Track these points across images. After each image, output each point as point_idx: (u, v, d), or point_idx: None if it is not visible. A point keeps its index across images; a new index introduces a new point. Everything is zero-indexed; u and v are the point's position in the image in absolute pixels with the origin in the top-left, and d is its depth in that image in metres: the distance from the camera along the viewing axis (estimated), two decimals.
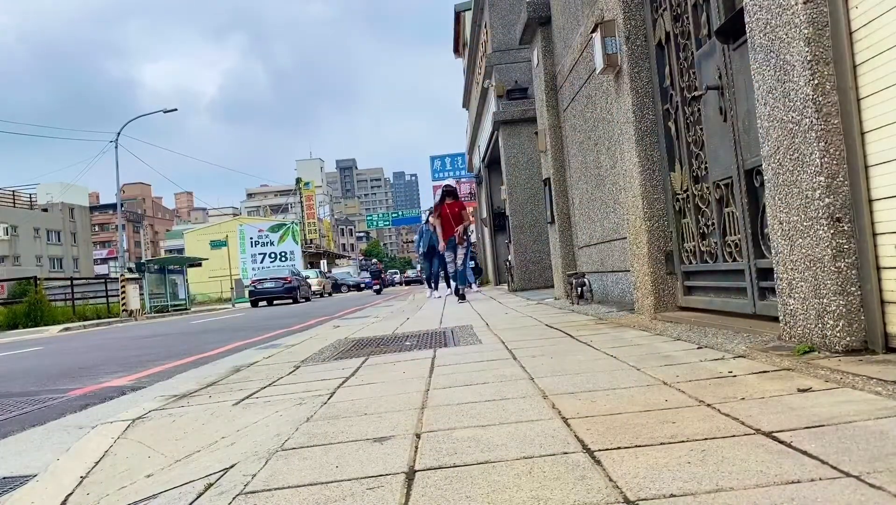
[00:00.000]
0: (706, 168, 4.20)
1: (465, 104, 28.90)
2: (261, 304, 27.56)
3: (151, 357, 7.20)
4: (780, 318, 2.92)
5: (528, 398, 2.37)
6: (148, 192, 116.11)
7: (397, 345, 4.76)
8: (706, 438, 1.66)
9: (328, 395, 2.89)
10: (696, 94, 4.13)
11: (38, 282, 23.19)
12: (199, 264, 32.12)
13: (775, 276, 2.94)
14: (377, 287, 28.73)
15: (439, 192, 12.06)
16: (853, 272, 2.45)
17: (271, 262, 56.20)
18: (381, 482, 1.57)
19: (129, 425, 2.91)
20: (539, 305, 7.99)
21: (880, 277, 2.38)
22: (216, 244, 48.32)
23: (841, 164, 2.47)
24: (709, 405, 2.00)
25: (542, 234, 13.28)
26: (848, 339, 2.46)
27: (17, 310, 21.31)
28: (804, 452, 1.48)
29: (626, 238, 5.61)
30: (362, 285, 29.92)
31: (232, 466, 1.90)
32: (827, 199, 2.48)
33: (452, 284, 12.03)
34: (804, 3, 2.50)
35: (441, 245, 11.55)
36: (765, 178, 2.95)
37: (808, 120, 2.54)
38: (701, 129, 4.21)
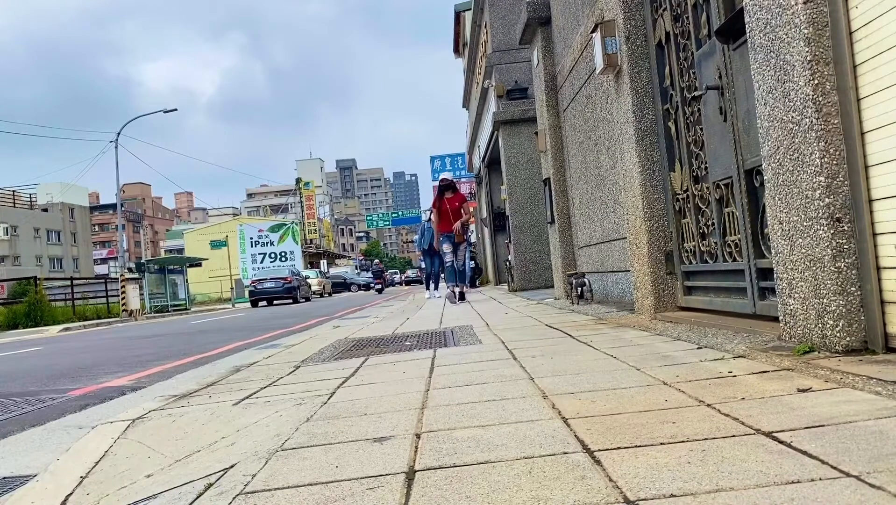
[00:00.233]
0: (706, 168, 4.20)
1: (465, 104, 28.90)
2: (261, 304, 27.56)
3: (151, 357, 7.20)
4: (780, 318, 2.92)
5: (528, 398, 2.37)
6: (148, 192, 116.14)
7: (397, 345, 4.76)
8: (706, 438, 1.66)
9: (328, 395, 2.89)
10: (696, 94, 4.13)
11: (38, 282, 23.19)
12: (199, 264, 32.13)
13: (775, 276, 2.94)
14: (379, 286, 30.82)
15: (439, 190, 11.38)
16: (853, 272, 2.45)
17: (271, 262, 56.18)
18: (381, 482, 1.57)
19: (128, 425, 2.91)
20: (539, 305, 7.99)
21: (880, 277, 2.38)
22: (216, 244, 48.33)
23: (841, 164, 2.47)
24: (709, 405, 2.00)
25: (542, 234, 13.28)
26: (848, 339, 2.46)
27: (17, 310, 21.31)
28: (804, 452, 1.48)
29: (626, 238, 5.61)
30: (370, 285, 31.89)
31: (232, 466, 1.90)
32: (827, 199, 2.48)
33: (444, 284, 11.19)
34: (804, 3, 2.50)
35: (436, 242, 10.93)
36: (765, 178, 2.95)
37: (808, 120, 2.54)
38: (701, 129, 4.21)
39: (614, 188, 6.31)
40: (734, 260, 3.97)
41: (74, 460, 2.50)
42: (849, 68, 2.45)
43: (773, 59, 2.74)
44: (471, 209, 12.53)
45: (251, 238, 59.04)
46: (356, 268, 63.16)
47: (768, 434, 1.65)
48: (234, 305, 32.81)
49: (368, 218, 71.42)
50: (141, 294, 25.23)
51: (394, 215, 63.04)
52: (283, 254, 57.89)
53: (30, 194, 53.87)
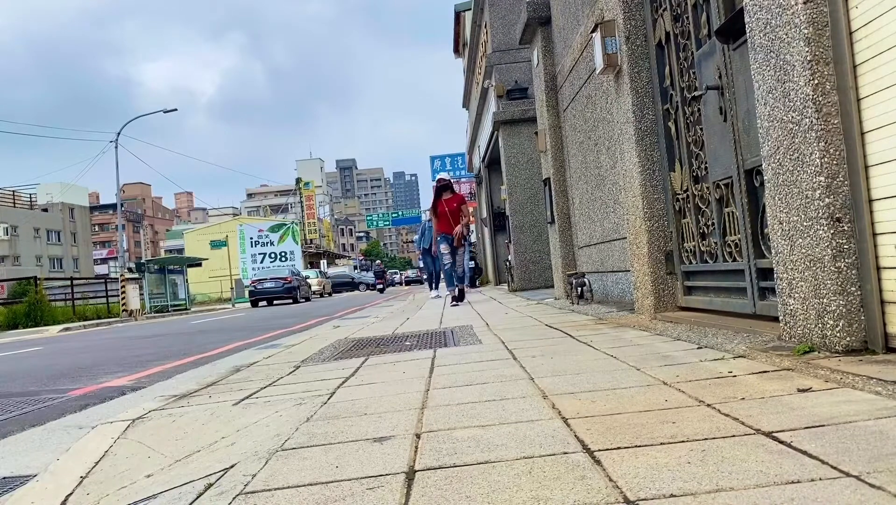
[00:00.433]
0: (706, 168, 4.20)
1: (465, 104, 28.90)
2: (261, 304, 27.56)
3: (151, 357, 7.20)
4: (780, 318, 2.92)
5: (528, 398, 2.37)
6: (148, 192, 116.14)
7: (397, 345, 4.76)
8: (706, 438, 1.66)
9: (328, 395, 2.89)
10: (696, 94, 4.13)
11: (38, 282, 23.19)
12: (199, 264, 32.12)
13: (775, 276, 2.94)
14: (381, 286, 32.05)
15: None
16: (853, 272, 2.45)
17: (271, 262, 56.20)
18: (381, 482, 1.57)
19: (128, 425, 2.91)
20: (539, 305, 7.99)
21: (880, 277, 2.38)
22: (216, 244, 48.33)
23: (841, 164, 2.47)
24: (709, 405, 2.00)
25: (542, 234, 13.28)
26: (848, 339, 2.46)
27: (17, 310, 21.31)
28: (804, 452, 1.48)
29: (626, 238, 5.61)
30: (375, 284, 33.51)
31: (232, 466, 1.90)
32: (827, 199, 2.48)
33: (442, 286, 10.67)
34: (804, 3, 2.50)
35: (434, 243, 10.58)
36: (765, 178, 2.95)
37: (808, 120, 2.54)
38: (701, 129, 4.21)
39: (614, 188, 6.31)
40: (734, 260, 3.97)
41: (74, 460, 2.50)
42: (849, 68, 2.45)
43: (773, 59, 2.74)
44: (470, 210, 12.24)
45: (251, 238, 59.04)
46: (354, 268, 63.21)
47: (768, 434, 1.65)
48: (234, 305, 32.81)
49: (368, 218, 71.40)
50: (141, 294, 25.23)
51: (394, 215, 63.03)
52: (283, 254, 57.90)
53: (30, 194, 53.89)
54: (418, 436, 1.97)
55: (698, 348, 3.16)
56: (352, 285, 45.08)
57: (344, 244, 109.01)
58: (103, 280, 29.35)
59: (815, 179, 2.53)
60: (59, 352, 9.55)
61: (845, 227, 2.46)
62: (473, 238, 27.96)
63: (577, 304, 7.11)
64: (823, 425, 1.67)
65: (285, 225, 60.67)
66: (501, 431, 1.93)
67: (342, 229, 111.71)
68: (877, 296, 2.39)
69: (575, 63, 7.37)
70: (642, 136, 4.92)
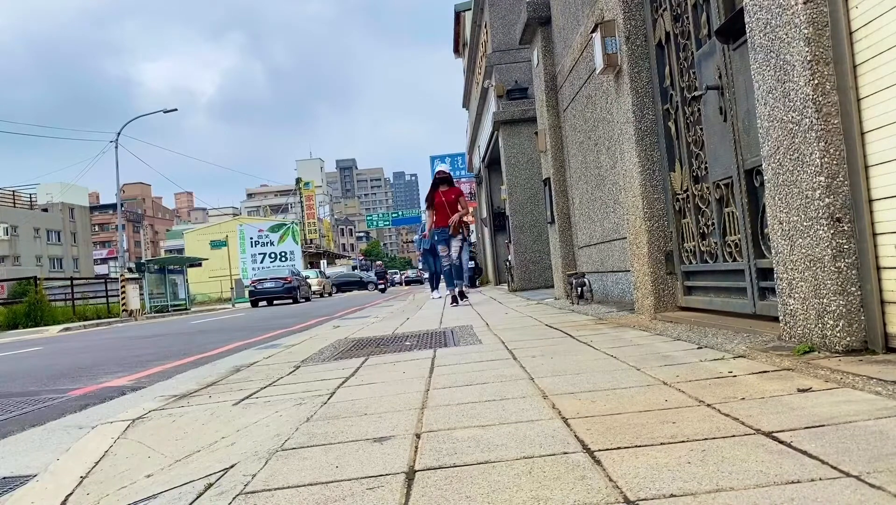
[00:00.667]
0: (706, 168, 4.20)
1: (465, 104, 28.90)
2: (261, 304, 27.57)
3: (151, 357, 7.20)
4: (780, 318, 2.92)
5: (528, 398, 2.37)
6: (148, 192, 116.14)
7: (397, 345, 4.76)
8: (706, 438, 1.66)
9: (328, 395, 2.89)
10: (696, 94, 4.13)
11: (38, 282, 23.19)
12: (199, 264, 32.13)
13: (775, 276, 2.94)
14: (382, 286, 32.75)
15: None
16: (853, 272, 2.45)
17: (271, 262, 56.21)
18: (381, 482, 1.57)
19: (128, 425, 2.91)
20: (539, 305, 7.99)
21: (880, 277, 2.38)
22: (216, 244, 48.34)
23: (841, 164, 2.47)
24: (709, 405, 2.00)
25: (542, 234, 13.28)
26: (848, 339, 2.46)
27: (17, 310, 21.31)
28: (804, 452, 1.48)
29: (626, 238, 5.61)
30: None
31: (232, 466, 1.90)
32: (827, 199, 2.48)
33: (442, 286, 10.26)
34: (804, 3, 2.50)
35: (426, 233, 10.29)
36: (765, 178, 2.95)
37: (808, 120, 2.54)
38: (701, 129, 4.21)
39: (614, 188, 6.31)
40: (734, 260, 3.97)
41: (74, 460, 2.50)
42: (849, 68, 2.45)
43: (773, 59, 2.74)
44: (470, 209, 12.09)
45: (251, 238, 59.05)
46: (353, 268, 63.29)
47: (768, 434, 1.65)
48: (234, 305, 32.81)
49: (368, 218, 71.43)
50: (141, 294, 25.23)
51: (394, 215, 63.08)
52: (283, 254, 57.90)
53: (30, 194, 53.89)
54: (418, 436, 1.97)
55: (698, 348, 3.16)
56: (360, 284, 45.46)
57: (344, 244, 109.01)
58: (103, 280, 29.35)
59: (815, 179, 2.53)
60: (59, 352, 9.55)
61: (845, 227, 2.46)
62: (473, 238, 27.96)
63: (577, 304, 7.11)
64: (823, 425, 1.67)
65: (285, 225, 60.68)
66: (501, 431, 1.93)
67: (342, 229, 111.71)
68: (877, 296, 2.39)
69: (575, 63, 7.37)
70: (642, 136, 4.92)
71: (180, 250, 67.86)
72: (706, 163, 4.18)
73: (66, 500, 2.07)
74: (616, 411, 2.04)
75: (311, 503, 1.49)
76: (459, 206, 9.58)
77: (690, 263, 4.67)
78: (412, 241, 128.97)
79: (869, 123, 2.39)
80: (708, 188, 4.21)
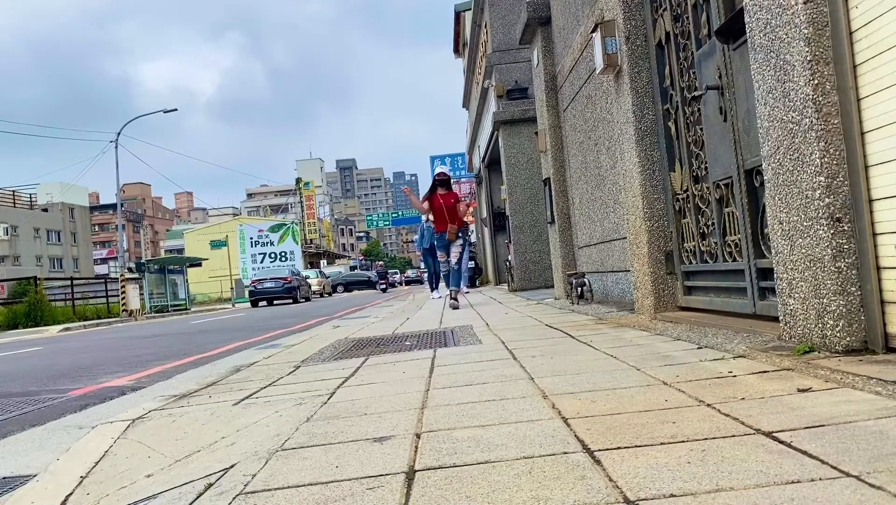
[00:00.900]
0: (706, 168, 4.20)
1: (465, 104, 28.90)
2: (261, 304, 27.57)
3: (151, 357, 7.20)
4: (780, 318, 2.92)
5: (528, 398, 2.37)
6: (148, 192, 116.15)
7: (397, 345, 4.76)
8: (706, 438, 1.66)
9: (328, 395, 2.89)
10: (696, 94, 4.13)
11: (38, 282, 23.19)
12: (199, 264, 32.12)
13: (775, 276, 2.94)
14: (384, 286, 33.64)
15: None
16: (853, 272, 2.45)
17: (271, 262, 56.21)
18: (381, 482, 1.57)
19: (128, 425, 2.91)
20: (539, 305, 7.99)
21: (880, 277, 2.38)
22: (216, 244, 48.33)
23: (841, 164, 2.47)
24: (709, 405, 2.00)
25: (542, 234, 13.28)
26: (848, 339, 2.46)
27: (17, 310, 21.31)
28: (804, 452, 1.48)
29: (626, 238, 5.61)
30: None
31: (232, 466, 1.90)
32: (827, 199, 2.48)
33: (442, 285, 10.03)
34: (804, 3, 2.50)
35: (427, 214, 9.75)
36: (765, 178, 2.95)
37: (808, 120, 2.54)
38: (701, 129, 4.21)
39: (614, 188, 6.31)
40: (734, 260, 3.97)
41: (74, 460, 2.50)
42: (849, 68, 2.45)
43: (773, 59, 2.74)
44: (470, 209, 11.95)
45: (251, 238, 59.06)
46: (351, 268, 63.38)
47: (768, 434, 1.65)
48: (234, 305, 32.81)
49: (368, 218, 71.44)
50: (141, 294, 25.23)
51: (394, 215, 63.06)
52: (283, 254, 57.91)
53: (30, 194, 53.87)
54: (418, 436, 1.97)
55: (698, 348, 3.16)
56: (369, 284, 45.75)
57: (344, 244, 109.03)
58: (103, 280, 29.35)
59: (815, 179, 2.53)
60: (59, 352, 9.55)
61: (845, 227, 2.46)
62: (473, 238, 27.96)
63: (577, 304, 7.11)
64: (823, 425, 1.67)
65: (285, 225, 60.68)
66: (501, 431, 1.93)
67: (342, 229, 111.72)
68: (877, 296, 2.39)
69: (575, 63, 7.37)
70: (642, 136, 4.92)
71: (180, 250, 67.87)
72: (706, 163, 4.18)
73: (66, 500, 2.07)
74: (616, 411, 2.04)
75: (311, 503, 1.49)
76: (458, 212, 9.32)
77: (690, 262, 4.67)
78: (412, 242, 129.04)
79: (869, 123, 2.39)
80: (708, 188, 4.21)
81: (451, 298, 9.06)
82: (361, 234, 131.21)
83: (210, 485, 1.76)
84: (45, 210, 56.40)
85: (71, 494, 2.12)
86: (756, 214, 3.63)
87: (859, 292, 2.45)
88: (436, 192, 9.36)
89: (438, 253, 9.60)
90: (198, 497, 1.67)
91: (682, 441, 1.66)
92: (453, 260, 9.24)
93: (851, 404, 1.84)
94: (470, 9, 20.54)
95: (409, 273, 72.41)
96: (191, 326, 14.05)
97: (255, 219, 72.33)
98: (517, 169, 14.15)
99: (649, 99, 4.93)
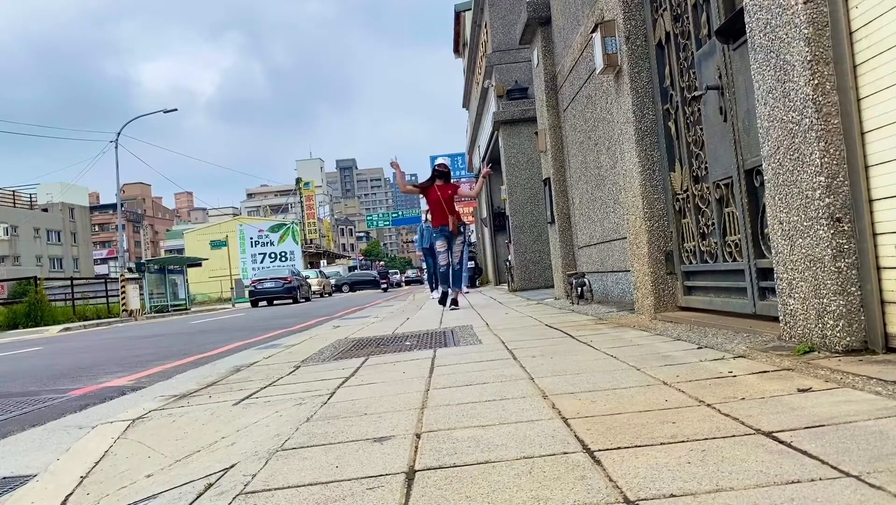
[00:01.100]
0: (706, 168, 4.20)
1: (465, 104, 28.91)
2: (261, 304, 27.57)
3: (151, 357, 7.20)
4: (780, 318, 2.92)
5: (528, 398, 2.37)
6: (148, 192, 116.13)
7: (397, 345, 4.76)
8: (706, 438, 1.66)
9: (328, 395, 2.89)
10: (696, 94, 4.13)
11: (38, 282, 23.19)
12: (199, 264, 32.12)
13: (775, 276, 2.94)
14: (385, 285, 34.64)
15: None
16: (853, 272, 2.45)
17: (271, 262, 56.21)
18: (381, 482, 1.57)
19: (129, 425, 2.91)
20: (539, 305, 7.99)
21: (880, 277, 2.38)
22: (216, 244, 48.33)
23: (841, 164, 2.47)
24: (709, 405, 2.00)
25: (542, 234, 13.28)
26: (848, 339, 2.46)
27: (17, 310, 21.31)
28: (804, 452, 1.48)
29: (626, 238, 5.61)
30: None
31: (232, 466, 1.90)
32: (827, 199, 2.48)
33: (440, 287, 9.15)
34: (804, 3, 2.50)
35: (427, 210, 9.11)
36: (765, 178, 2.95)
37: (808, 120, 2.54)
38: (701, 129, 4.21)
39: (614, 188, 6.31)
40: (734, 260, 3.97)
41: (74, 460, 2.50)
42: (849, 68, 2.45)
43: (773, 59, 2.74)
44: (469, 209, 11.66)
45: (251, 238, 59.06)
46: (351, 269, 63.49)
47: (768, 434, 1.65)
48: (234, 305, 32.81)
49: (368, 218, 71.42)
50: (141, 294, 25.23)
51: (394, 215, 63.05)
52: (283, 254, 57.91)
53: (30, 194, 53.87)
54: (418, 436, 1.97)
55: (698, 348, 3.16)
56: (374, 284, 46.03)
57: (344, 244, 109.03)
58: (103, 280, 29.35)
59: (815, 179, 2.53)
60: (59, 352, 9.55)
61: (845, 227, 2.46)
62: (473, 238, 27.95)
63: (577, 304, 7.11)
64: (823, 425, 1.67)
65: (285, 225, 60.68)
66: (501, 431, 1.93)
67: (342, 229, 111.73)
68: (877, 296, 2.39)
69: (575, 63, 7.37)
70: (642, 136, 4.92)
71: (180, 250, 67.87)
72: (706, 163, 4.18)
73: (66, 500, 2.07)
74: (616, 411, 2.04)
75: (311, 503, 1.49)
76: (456, 203, 8.74)
77: (690, 262, 4.67)
78: (412, 242, 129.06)
79: (869, 123, 2.39)
80: (708, 188, 4.21)
81: (451, 301, 8.64)
82: (361, 234, 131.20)
83: (210, 485, 1.77)
84: (45, 210, 56.40)
85: (71, 494, 2.12)
86: (756, 214, 3.63)
87: (859, 292, 2.45)
88: (434, 183, 8.68)
89: (438, 243, 8.72)
90: (198, 497, 1.67)
91: (682, 441, 1.66)
92: (455, 259, 8.71)
93: (851, 404, 1.84)
94: (470, 9, 20.55)
95: (410, 273, 72.45)
96: (191, 326, 14.05)
97: (255, 219, 72.34)
98: (517, 169, 14.15)
99: (649, 99, 4.93)
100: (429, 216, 9.46)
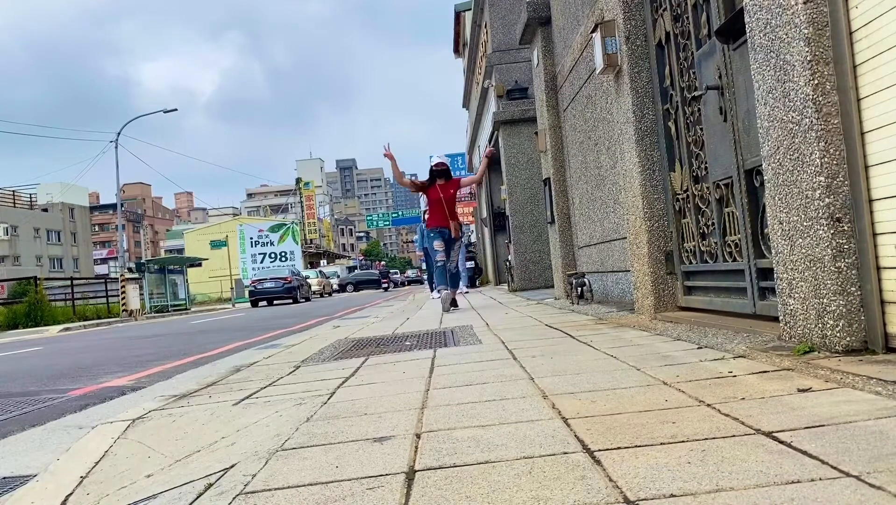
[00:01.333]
0: (706, 168, 4.20)
1: (465, 104, 28.90)
2: (261, 304, 27.57)
3: (151, 357, 7.20)
4: (780, 318, 2.92)
5: (528, 398, 2.37)
6: (148, 192, 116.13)
7: (397, 345, 4.76)
8: (706, 438, 1.66)
9: (328, 395, 2.89)
10: (696, 94, 4.13)
11: (38, 282, 23.19)
12: (199, 264, 32.13)
13: (775, 276, 2.94)
14: (385, 285, 35.44)
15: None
16: (853, 272, 2.45)
17: (271, 262, 56.23)
18: (381, 482, 1.57)
19: (129, 425, 2.91)
20: (539, 305, 7.99)
21: (880, 277, 2.38)
22: (216, 244, 48.33)
23: (841, 164, 2.47)
24: (709, 405, 2.00)
25: (542, 234, 13.28)
26: (848, 339, 2.46)
27: (17, 310, 21.31)
28: (804, 452, 1.48)
29: (626, 238, 5.61)
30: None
31: (232, 466, 1.90)
32: (827, 199, 2.48)
33: (437, 289, 8.74)
34: (804, 3, 2.50)
35: (427, 238, 8.81)
36: (765, 178, 2.95)
37: (808, 120, 2.54)
38: (701, 129, 4.21)
39: (614, 188, 6.31)
40: (734, 260, 3.97)
41: (74, 460, 2.50)
42: (849, 68, 2.45)
43: (773, 59, 2.74)
44: (469, 209, 11.67)
45: (251, 238, 59.07)
46: (350, 269, 63.58)
47: (768, 434, 1.65)
48: (234, 305, 32.81)
49: (368, 218, 71.41)
50: (141, 294, 25.23)
51: (394, 215, 63.05)
52: (283, 254, 57.92)
53: (30, 194, 53.88)
54: (418, 436, 1.97)
55: (698, 348, 3.16)
56: (377, 283, 46.21)
57: (344, 244, 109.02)
58: (103, 280, 29.36)
59: (815, 179, 2.53)
60: (59, 352, 9.55)
61: (845, 227, 2.46)
62: (473, 238, 27.95)
63: (577, 304, 7.11)
64: (823, 425, 1.67)
65: (285, 225, 60.69)
66: (501, 431, 1.93)
67: (342, 229, 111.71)
68: (877, 296, 2.39)
69: (575, 63, 7.37)
70: (642, 136, 4.92)
71: (180, 250, 67.87)
72: (706, 163, 4.18)
73: (66, 500, 2.07)
74: (616, 411, 2.04)
75: (311, 503, 1.49)
76: (456, 201, 8.42)
77: (690, 262, 4.67)
78: (412, 242, 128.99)
79: (869, 123, 2.39)
80: (708, 188, 4.21)
81: (451, 302, 8.31)
82: (361, 234, 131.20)
83: (210, 485, 1.77)
84: (45, 210, 56.40)
85: (71, 494, 2.12)
86: (756, 214, 3.63)
87: (859, 292, 2.45)
88: (435, 183, 8.27)
89: (436, 243, 8.25)
90: (198, 497, 1.67)
91: (682, 441, 1.66)
92: (452, 265, 8.41)
93: (851, 404, 1.84)
94: (470, 9, 20.55)
95: (410, 273, 72.51)
96: (191, 326, 14.05)
97: (255, 219, 72.34)
98: (517, 169, 14.15)
99: (649, 99, 4.93)
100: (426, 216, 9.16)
